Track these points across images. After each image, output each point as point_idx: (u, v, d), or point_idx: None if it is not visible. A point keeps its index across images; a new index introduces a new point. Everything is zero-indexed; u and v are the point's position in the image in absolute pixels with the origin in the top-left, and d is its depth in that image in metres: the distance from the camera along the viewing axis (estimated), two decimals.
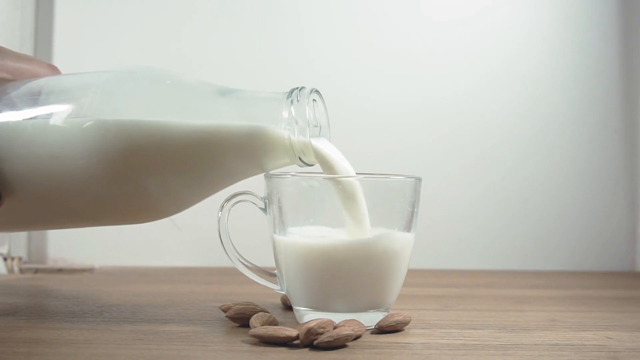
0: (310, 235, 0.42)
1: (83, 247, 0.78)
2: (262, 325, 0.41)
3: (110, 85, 0.41)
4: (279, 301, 0.52)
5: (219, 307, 0.46)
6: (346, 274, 0.41)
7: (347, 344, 0.39)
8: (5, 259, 0.75)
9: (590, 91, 0.83)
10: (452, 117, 0.81)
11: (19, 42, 0.77)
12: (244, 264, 0.46)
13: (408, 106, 0.81)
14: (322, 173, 0.43)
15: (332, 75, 0.80)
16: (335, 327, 0.39)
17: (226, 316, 0.44)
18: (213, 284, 0.64)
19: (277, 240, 0.43)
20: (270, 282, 0.45)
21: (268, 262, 0.46)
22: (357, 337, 0.40)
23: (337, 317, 0.41)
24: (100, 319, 0.45)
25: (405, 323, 0.43)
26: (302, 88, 0.42)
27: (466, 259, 0.81)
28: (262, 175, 0.44)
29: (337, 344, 0.38)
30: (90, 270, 0.74)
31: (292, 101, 0.42)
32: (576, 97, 0.83)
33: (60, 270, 0.75)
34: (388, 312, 0.44)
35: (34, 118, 0.41)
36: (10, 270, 0.74)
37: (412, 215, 0.44)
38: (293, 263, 0.42)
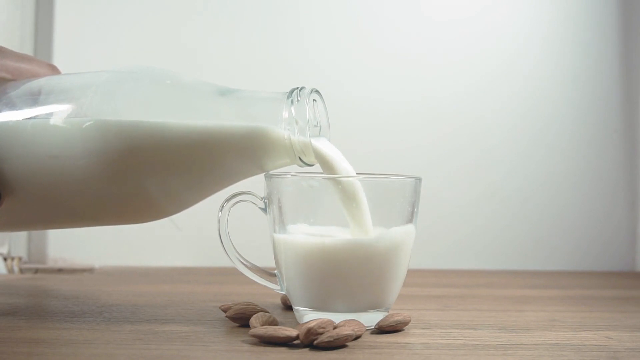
0: (311, 234, 0.42)
1: (83, 247, 0.78)
2: (262, 325, 0.41)
3: (110, 85, 0.41)
4: (279, 301, 0.52)
5: (219, 307, 0.46)
6: (346, 274, 0.41)
7: (347, 344, 0.39)
8: (5, 259, 0.75)
9: (590, 91, 0.83)
10: (452, 117, 0.81)
11: (19, 42, 0.77)
12: (244, 264, 0.46)
13: (408, 106, 0.81)
14: (322, 173, 0.43)
15: (332, 75, 0.80)
16: (335, 327, 0.39)
17: (226, 316, 0.44)
18: (213, 284, 0.64)
19: (277, 240, 0.43)
20: (270, 282, 0.45)
21: (268, 262, 0.46)
22: (357, 337, 0.40)
23: (337, 317, 0.41)
24: (100, 319, 0.45)
25: (405, 323, 0.43)
26: (302, 88, 0.42)
27: (466, 259, 0.81)
28: (262, 175, 0.44)
29: (337, 344, 0.38)
30: (90, 270, 0.74)
31: (292, 101, 0.42)
32: (576, 97, 0.83)
33: (60, 270, 0.75)
34: (388, 312, 0.44)
35: (34, 118, 0.41)
36: (10, 270, 0.74)
37: (412, 215, 0.44)
38: (293, 262, 0.42)
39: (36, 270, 0.75)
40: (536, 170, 0.82)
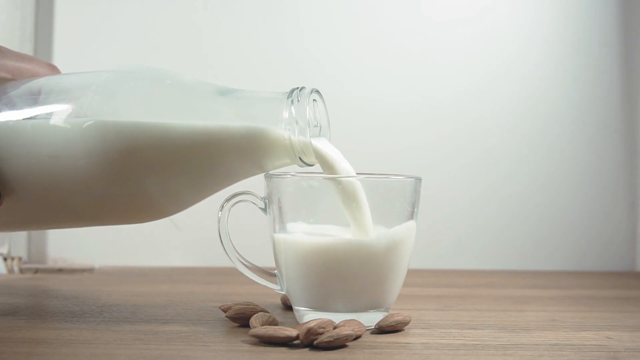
0: (311, 233, 0.42)
1: (83, 247, 0.78)
2: (262, 325, 0.41)
3: (110, 84, 0.41)
4: (279, 301, 0.52)
5: (219, 307, 0.46)
6: (346, 273, 0.41)
7: (347, 344, 0.39)
8: (5, 259, 0.75)
9: (590, 91, 0.83)
10: (452, 117, 0.81)
11: (19, 42, 0.77)
12: (244, 264, 0.46)
13: (408, 106, 0.81)
14: (322, 173, 0.43)
15: (332, 75, 0.80)
16: (335, 327, 0.39)
17: (226, 316, 0.44)
18: (213, 284, 0.64)
19: (277, 240, 0.43)
20: (270, 282, 0.45)
21: (268, 262, 0.46)
22: (357, 337, 0.40)
23: (337, 317, 0.41)
24: (100, 319, 0.45)
25: (405, 323, 0.43)
26: (302, 88, 0.42)
27: (466, 259, 0.81)
28: (262, 175, 0.44)
29: (337, 344, 0.38)
30: (90, 270, 0.74)
31: (292, 101, 0.42)
32: (576, 97, 0.83)
33: (60, 270, 0.75)
34: (388, 312, 0.44)
35: (34, 118, 0.41)
36: (10, 270, 0.74)
37: (412, 215, 0.44)
38: (293, 262, 0.42)
39: (36, 270, 0.75)
40: (536, 170, 0.82)
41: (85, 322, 0.44)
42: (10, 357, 0.35)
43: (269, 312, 0.43)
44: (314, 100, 0.43)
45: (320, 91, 0.44)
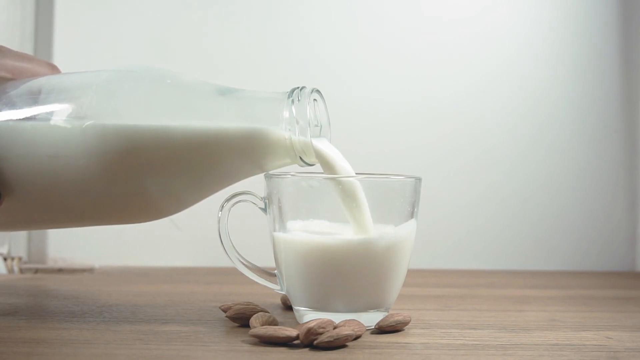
0: (310, 231, 0.42)
1: (83, 247, 0.78)
2: (262, 325, 0.41)
3: (110, 84, 0.41)
4: (279, 301, 0.52)
5: (219, 307, 0.46)
6: (346, 273, 0.41)
7: (347, 344, 0.39)
8: (5, 259, 0.75)
9: (590, 91, 0.83)
10: (452, 117, 0.81)
11: (19, 41, 0.77)
12: (244, 264, 0.46)
13: (408, 106, 0.81)
14: (322, 173, 0.43)
15: (332, 75, 0.80)
16: (335, 327, 0.39)
17: (226, 316, 0.44)
18: (213, 284, 0.64)
19: (276, 239, 0.43)
20: (270, 282, 0.45)
21: (268, 262, 0.46)
22: (357, 337, 0.40)
23: (337, 317, 0.41)
24: (100, 319, 0.45)
25: (405, 323, 0.43)
26: (302, 88, 0.42)
27: (466, 259, 0.81)
28: (262, 175, 0.44)
29: (337, 344, 0.38)
30: (90, 270, 0.74)
31: (292, 101, 0.42)
32: (576, 97, 0.83)
33: (60, 270, 0.75)
34: (388, 312, 0.44)
35: (34, 117, 0.41)
36: (10, 270, 0.74)
37: (412, 215, 0.44)
38: (293, 261, 0.42)
39: (36, 270, 0.75)
40: (536, 170, 0.82)
41: (85, 322, 0.44)
42: (10, 357, 0.35)
43: (269, 312, 0.43)
44: (315, 99, 0.43)
45: (320, 91, 0.44)
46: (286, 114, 0.41)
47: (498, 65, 0.82)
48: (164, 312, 0.47)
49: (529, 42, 0.82)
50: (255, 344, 0.39)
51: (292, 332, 0.38)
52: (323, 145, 0.42)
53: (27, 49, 0.77)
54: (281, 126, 0.41)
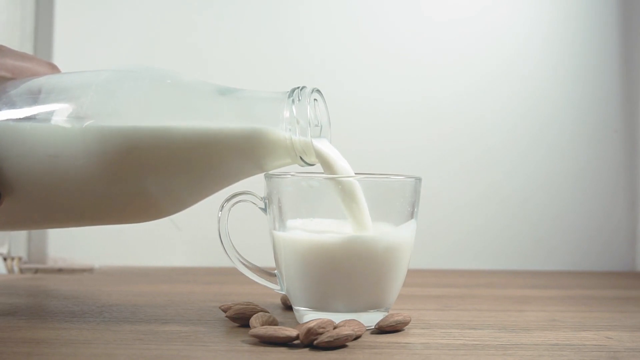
0: (310, 229, 0.42)
1: (83, 247, 0.78)
2: (262, 325, 0.41)
3: (110, 84, 0.41)
4: (279, 301, 0.52)
5: (219, 307, 0.46)
6: (346, 271, 0.41)
7: (347, 344, 0.39)
8: (5, 259, 0.75)
9: (590, 91, 0.83)
10: (452, 117, 0.81)
11: (19, 41, 0.77)
12: (244, 264, 0.46)
13: (408, 106, 0.81)
14: (322, 173, 0.43)
15: (332, 75, 0.80)
16: (335, 327, 0.39)
17: (226, 316, 0.44)
18: (213, 284, 0.64)
19: (276, 238, 0.43)
20: (270, 282, 0.45)
21: (268, 262, 0.46)
22: (357, 337, 0.40)
23: (337, 317, 0.41)
24: (100, 319, 0.45)
25: (405, 323, 0.43)
26: (303, 87, 0.42)
27: (466, 259, 0.81)
28: (262, 175, 0.44)
29: (337, 344, 0.38)
30: (90, 270, 0.74)
31: (293, 100, 0.41)
32: (576, 97, 0.83)
33: (60, 270, 0.75)
34: (388, 312, 0.44)
35: (34, 117, 0.41)
36: (10, 270, 0.74)
37: (412, 215, 0.44)
38: (293, 260, 0.42)
39: (36, 270, 0.75)
40: (536, 170, 0.82)
41: (85, 322, 0.44)
42: (10, 357, 0.35)
43: (269, 312, 0.43)
44: (315, 99, 0.43)
45: (320, 90, 0.44)
46: (286, 114, 0.41)
47: (498, 65, 0.82)
48: (164, 312, 0.47)
49: (529, 42, 0.82)
50: (255, 344, 0.39)
51: (292, 332, 0.38)
52: (323, 145, 0.42)
53: (27, 48, 0.77)
54: (281, 126, 0.41)
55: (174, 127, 0.40)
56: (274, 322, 0.42)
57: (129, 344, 0.38)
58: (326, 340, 0.38)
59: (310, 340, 0.38)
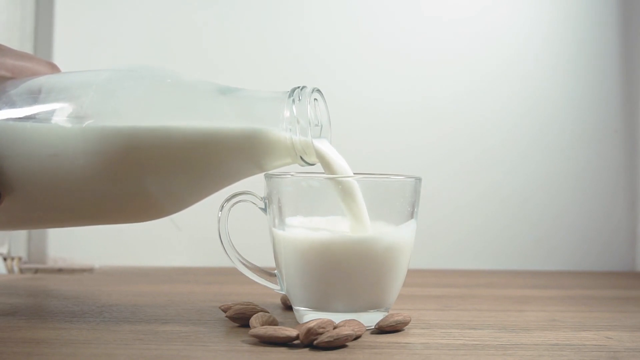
0: (310, 227, 0.42)
1: (83, 247, 0.78)
2: (262, 325, 0.41)
3: (111, 84, 0.41)
4: (279, 301, 0.52)
5: (219, 307, 0.46)
6: (346, 273, 0.41)
7: (347, 344, 0.39)
8: (5, 259, 0.75)
9: (590, 91, 0.83)
10: (452, 117, 0.81)
11: (19, 41, 0.77)
12: (244, 264, 0.46)
13: (408, 106, 0.81)
14: (322, 173, 0.43)
15: (332, 75, 0.80)
16: (335, 327, 0.39)
17: (226, 316, 0.44)
18: (213, 284, 0.64)
19: (276, 237, 0.43)
20: (270, 282, 0.45)
21: (268, 262, 0.46)
22: (357, 337, 0.40)
23: (337, 317, 0.41)
24: (100, 319, 0.45)
25: (405, 323, 0.43)
26: (303, 87, 0.42)
27: (466, 259, 0.81)
28: (262, 175, 0.44)
29: (337, 344, 0.38)
30: (90, 270, 0.74)
31: (293, 100, 0.41)
32: (576, 97, 0.83)
33: (60, 270, 0.75)
34: (388, 312, 0.44)
35: (34, 116, 0.41)
36: (10, 270, 0.74)
37: (412, 215, 0.44)
38: (293, 259, 0.42)
39: (36, 270, 0.75)
40: (536, 170, 0.82)
41: (85, 322, 0.44)
42: (10, 357, 0.35)
43: (269, 312, 0.43)
44: (315, 99, 0.43)
45: (321, 90, 0.44)
46: (287, 114, 0.41)
47: (498, 65, 0.82)
48: (164, 312, 0.47)
49: (529, 42, 0.82)
50: (255, 344, 0.39)
51: (292, 332, 0.38)
52: (323, 145, 0.42)
53: (27, 48, 0.78)
54: (282, 126, 0.41)
55: (174, 127, 0.40)
56: (274, 322, 0.42)
57: (129, 344, 0.38)
58: (326, 340, 0.38)
59: (310, 340, 0.38)
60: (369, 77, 0.81)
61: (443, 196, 0.80)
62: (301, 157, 0.42)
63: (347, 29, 0.81)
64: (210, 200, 0.45)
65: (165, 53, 0.79)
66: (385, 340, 0.40)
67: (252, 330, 0.39)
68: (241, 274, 0.46)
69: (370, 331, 0.42)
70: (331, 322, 0.39)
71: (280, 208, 0.43)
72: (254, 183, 0.46)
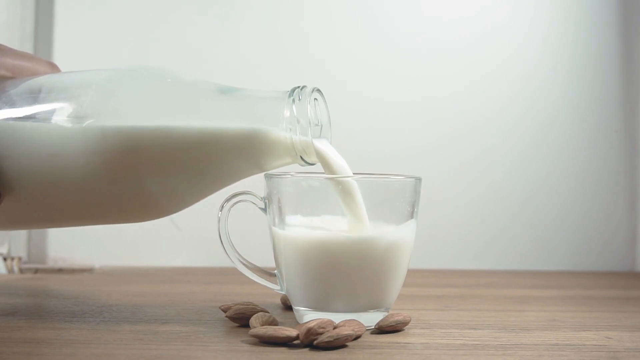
0: (310, 227, 0.42)
1: (83, 247, 0.78)
2: (262, 325, 0.41)
3: (111, 83, 0.41)
4: (279, 301, 0.52)
5: (219, 307, 0.46)
6: (346, 273, 0.41)
7: (347, 344, 0.39)
8: (5, 259, 0.75)
9: (590, 91, 0.83)
10: (452, 117, 0.81)
11: (19, 41, 0.77)
12: (244, 264, 0.46)
13: (408, 106, 0.81)
14: (322, 173, 0.43)
15: (332, 75, 0.80)
16: (335, 327, 0.39)
17: (226, 316, 0.44)
18: (213, 284, 0.64)
19: (276, 237, 0.43)
20: (270, 282, 0.45)
21: (268, 262, 0.46)
22: (357, 337, 0.40)
23: (337, 317, 0.41)
24: (100, 319, 0.45)
25: (405, 323, 0.43)
26: (303, 87, 0.42)
27: (466, 259, 0.81)
28: (262, 175, 0.44)
29: (337, 344, 0.38)
30: (90, 270, 0.74)
31: (293, 100, 0.41)
32: (576, 97, 0.83)
33: (60, 270, 0.75)
34: (388, 312, 0.44)
35: (34, 116, 0.41)
36: (10, 270, 0.74)
37: (412, 215, 0.44)
38: (293, 259, 0.42)
39: (36, 270, 0.75)
40: (536, 170, 0.82)
41: (85, 322, 0.44)
42: (10, 357, 0.35)
43: (269, 312, 0.43)
44: (315, 99, 0.43)
45: (321, 90, 0.44)
46: (287, 113, 0.41)
47: (498, 65, 0.82)
48: (164, 312, 0.47)
49: (529, 42, 0.82)
50: (255, 344, 0.39)
51: (292, 332, 0.38)
52: (323, 145, 0.42)
53: (27, 48, 0.78)
54: (282, 125, 0.41)
55: (174, 127, 0.40)
56: (274, 322, 0.42)
57: (129, 344, 0.38)
58: (326, 340, 0.38)
59: (310, 340, 0.38)
60: (369, 77, 0.81)
61: (443, 196, 0.80)
62: (301, 157, 0.42)
63: (347, 29, 0.81)
64: (210, 200, 0.45)
65: (165, 53, 0.79)
66: (385, 340, 0.40)
67: (252, 330, 0.39)
68: (241, 274, 0.46)
69: (370, 331, 0.42)
70: (331, 322, 0.39)
71: (280, 208, 0.43)
72: (254, 183, 0.46)
